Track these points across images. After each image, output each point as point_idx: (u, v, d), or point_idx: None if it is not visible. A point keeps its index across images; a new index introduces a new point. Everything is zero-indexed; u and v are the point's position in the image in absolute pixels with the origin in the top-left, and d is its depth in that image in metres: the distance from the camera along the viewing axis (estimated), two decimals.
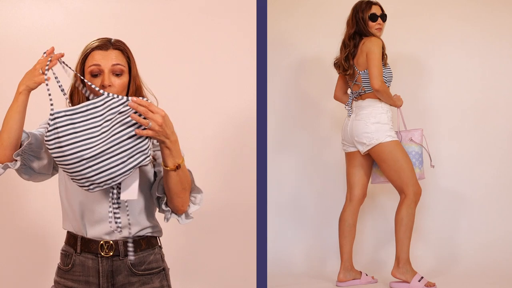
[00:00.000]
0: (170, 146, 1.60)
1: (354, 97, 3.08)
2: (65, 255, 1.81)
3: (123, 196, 1.63)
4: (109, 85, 1.70)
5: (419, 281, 2.92)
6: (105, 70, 1.71)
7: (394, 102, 3.05)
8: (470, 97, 3.70)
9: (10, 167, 1.67)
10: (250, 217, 2.95)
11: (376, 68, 2.92)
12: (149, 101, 1.56)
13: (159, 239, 1.87)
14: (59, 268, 1.83)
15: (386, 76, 3.00)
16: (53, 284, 1.84)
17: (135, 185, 1.64)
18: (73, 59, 1.90)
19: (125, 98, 1.58)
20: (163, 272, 1.84)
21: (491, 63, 3.70)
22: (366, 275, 3.16)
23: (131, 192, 1.63)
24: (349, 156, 3.12)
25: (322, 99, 3.76)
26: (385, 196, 3.60)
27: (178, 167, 1.63)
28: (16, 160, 1.66)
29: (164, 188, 1.72)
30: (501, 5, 3.69)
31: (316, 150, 3.78)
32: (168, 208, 1.76)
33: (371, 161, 3.10)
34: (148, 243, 1.81)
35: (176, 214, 1.78)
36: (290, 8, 3.80)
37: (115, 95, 1.59)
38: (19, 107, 1.62)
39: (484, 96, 3.70)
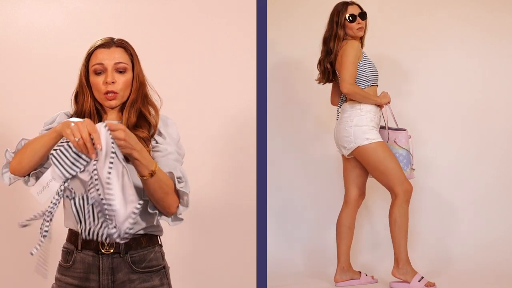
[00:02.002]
0: (138, 157, 1.59)
1: (342, 101, 3.08)
2: (66, 252, 1.82)
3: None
4: (113, 82, 1.74)
5: (419, 281, 2.92)
6: (108, 68, 1.75)
7: (376, 101, 2.97)
8: (470, 97, 3.70)
9: (19, 180, 1.75)
10: (250, 217, 2.95)
11: (345, 71, 2.89)
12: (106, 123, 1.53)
13: (159, 238, 1.87)
14: (60, 265, 1.84)
15: (367, 75, 2.96)
16: (54, 281, 1.85)
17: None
18: (72, 59, 1.91)
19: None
20: (163, 270, 1.84)
21: (491, 63, 3.71)
22: (366, 275, 3.15)
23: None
24: (343, 159, 3.12)
25: (323, 99, 3.76)
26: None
27: (152, 173, 1.63)
28: (30, 176, 1.73)
29: (148, 195, 1.72)
30: (501, 5, 3.69)
31: (317, 151, 3.78)
32: (155, 211, 1.75)
33: None
34: (148, 241, 1.81)
35: (165, 216, 1.78)
36: (290, 8, 3.80)
37: (94, 161, 1.52)
38: (50, 142, 1.62)
39: (484, 96, 3.70)
